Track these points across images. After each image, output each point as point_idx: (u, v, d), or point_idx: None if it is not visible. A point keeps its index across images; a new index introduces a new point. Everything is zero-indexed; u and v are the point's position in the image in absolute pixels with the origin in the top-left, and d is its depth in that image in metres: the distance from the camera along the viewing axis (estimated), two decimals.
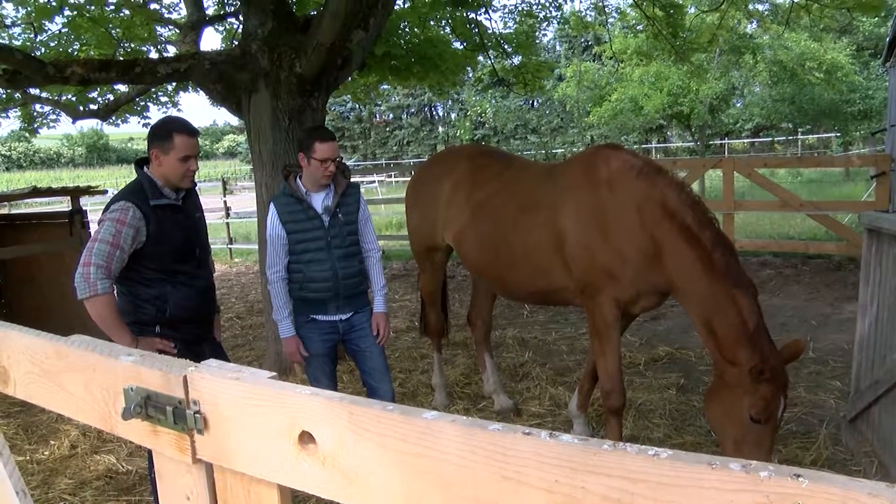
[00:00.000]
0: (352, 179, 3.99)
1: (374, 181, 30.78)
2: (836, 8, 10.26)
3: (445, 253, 5.38)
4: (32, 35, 7.84)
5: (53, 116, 10.03)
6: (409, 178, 6.18)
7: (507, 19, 11.21)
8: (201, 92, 7.27)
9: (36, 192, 8.36)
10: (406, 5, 8.80)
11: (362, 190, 4.24)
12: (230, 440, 1.24)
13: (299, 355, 3.93)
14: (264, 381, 1.22)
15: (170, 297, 3.33)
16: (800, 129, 32.89)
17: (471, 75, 13.30)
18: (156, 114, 10.25)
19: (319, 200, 3.86)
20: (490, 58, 10.38)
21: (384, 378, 4.05)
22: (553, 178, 4.47)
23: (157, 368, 1.32)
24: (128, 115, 9.92)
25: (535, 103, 49.12)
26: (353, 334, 3.99)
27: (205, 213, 3.72)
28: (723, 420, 3.54)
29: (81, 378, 1.50)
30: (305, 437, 1.14)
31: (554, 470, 0.91)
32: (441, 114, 57.00)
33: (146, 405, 1.32)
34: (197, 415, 1.26)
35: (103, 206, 3.34)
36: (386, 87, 11.64)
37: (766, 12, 15.56)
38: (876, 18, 24.33)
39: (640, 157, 4.19)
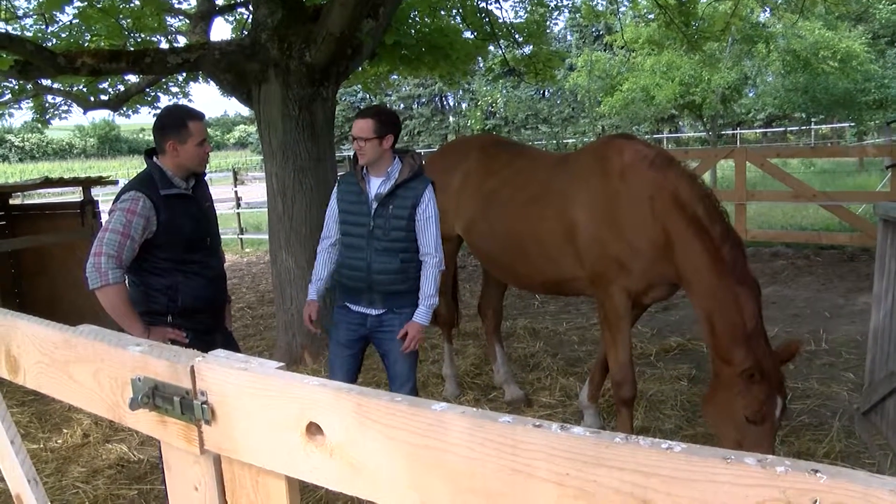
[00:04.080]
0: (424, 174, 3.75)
1: None
2: None
3: (456, 243, 5.35)
4: (44, 26, 7.85)
5: (65, 107, 10.05)
6: None
7: (517, 8, 11.17)
8: (211, 82, 7.27)
9: (48, 182, 8.39)
10: None
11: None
12: (238, 431, 1.24)
13: (310, 322, 3.81)
14: (272, 372, 1.21)
15: (181, 286, 3.33)
16: (813, 119, 32.60)
17: (481, 65, 13.27)
18: (166, 104, 10.22)
19: (375, 186, 3.67)
20: (501, 47, 10.33)
21: (404, 386, 3.81)
22: (565, 168, 4.44)
23: (165, 359, 1.31)
24: (138, 106, 9.94)
25: (546, 93, 48.89)
26: (379, 333, 3.78)
27: (215, 204, 3.72)
28: (720, 422, 3.53)
29: (90, 368, 1.50)
30: (313, 429, 1.14)
31: (565, 463, 0.90)
32: (452, 104, 56.84)
33: (154, 395, 1.32)
34: (204, 405, 1.25)
35: (114, 197, 3.35)
36: (396, 76, 11.60)
37: (780, 0, 15.39)
38: (893, 5, 24.07)
39: (653, 148, 4.16)
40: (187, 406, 1.27)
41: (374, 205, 3.62)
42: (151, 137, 3.40)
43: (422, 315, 3.70)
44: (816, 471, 0.75)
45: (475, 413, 0.99)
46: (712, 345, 3.63)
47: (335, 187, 3.86)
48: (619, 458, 0.86)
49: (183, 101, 10.23)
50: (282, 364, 1.24)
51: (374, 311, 3.73)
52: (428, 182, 3.73)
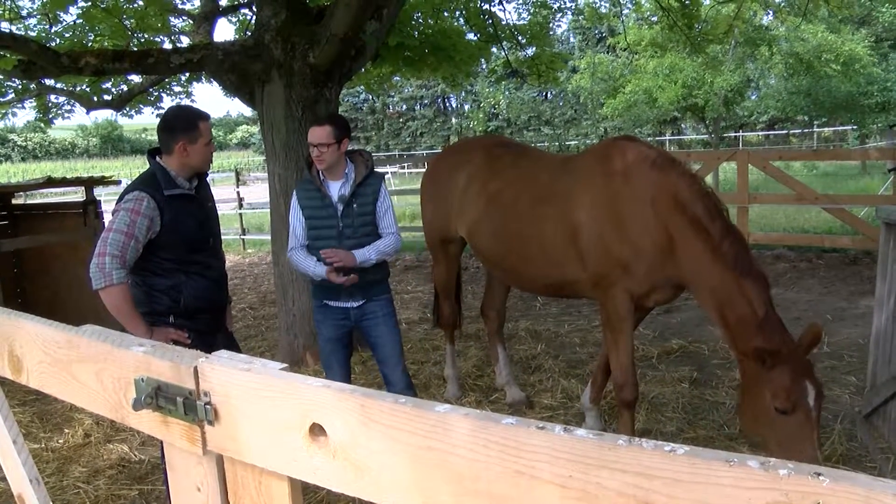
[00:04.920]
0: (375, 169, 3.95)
1: (387, 172, 30.80)
2: None
3: (460, 244, 5.36)
4: (47, 26, 7.87)
5: (68, 107, 10.08)
6: (422, 170, 6.21)
7: (521, 10, 11.18)
8: (214, 82, 7.29)
9: (50, 182, 8.41)
10: None
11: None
12: (241, 432, 1.24)
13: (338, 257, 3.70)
14: (275, 373, 1.21)
15: (184, 287, 3.33)
16: (815, 122, 32.56)
17: (484, 66, 13.26)
18: (169, 104, 10.22)
19: (336, 189, 3.84)
20: (504, 49, 10.34)
21: (397, 366, 4.02)
22: (568, 170, 4.44)
23: (168, 359, 1.31)
24: (141, 106, 9.96)
25: (549, 95, 48.90)
26: (365, 322, 3.96)
27: (217, 204, 3.73)
28: (756, 422, 3.36)
29: (93, 368, 1.50)
30: (316, 430, 1.14)
31: (568, 465, 0.90)
32: (454, 105, 56.89)
33: (157, 396, 1.32)
34: (207, 406, 1.26)
35: (117, 196, 3.35)
36: (399, 78, 11.61)
37: (783, 3, 15.38)
38: None
39: (655, 149, 4.16)
40: (190, 406, 1.28)
41: (340, 207, 3.80)
42: (154, 137, 3.41)
43: (360, 252, 3.76)
44: (819, 474, 0.75)
45: (478, 415, 0.99)
46: (731, 343, 3.56)
47: (293, 196, 3.97)
48: (623, 461, 0.86)
49: (186, 102, 10.24)
50: (285, 365, 1.25)
51: (354, 304, 3.90)
52: (382, 176, 4.01)
